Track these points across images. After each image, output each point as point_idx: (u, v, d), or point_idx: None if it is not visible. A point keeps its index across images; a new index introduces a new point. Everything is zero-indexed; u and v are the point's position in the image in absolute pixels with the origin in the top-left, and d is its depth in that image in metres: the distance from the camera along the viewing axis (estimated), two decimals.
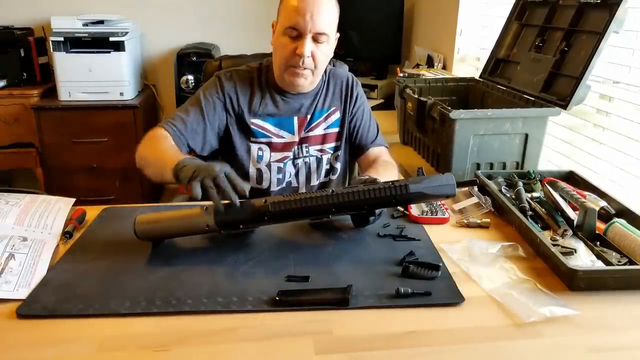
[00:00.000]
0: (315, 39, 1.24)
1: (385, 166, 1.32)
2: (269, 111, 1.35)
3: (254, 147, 1.35)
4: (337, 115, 1.41)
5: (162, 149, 1.18)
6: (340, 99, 1.42)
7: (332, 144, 1.42)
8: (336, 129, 1.41)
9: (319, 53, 1.25)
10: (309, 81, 1.30)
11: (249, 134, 1.35)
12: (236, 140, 1.34)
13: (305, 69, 1.26)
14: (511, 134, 1.42)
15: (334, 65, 1.69)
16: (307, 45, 1.22)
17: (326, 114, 1.40)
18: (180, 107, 1.34)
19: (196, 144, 1.31)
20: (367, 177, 1.06)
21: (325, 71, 1.41)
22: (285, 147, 1.37)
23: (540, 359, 0.74)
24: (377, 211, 1.06)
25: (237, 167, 1.32)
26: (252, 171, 1.37)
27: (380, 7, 2.97)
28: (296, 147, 1.38)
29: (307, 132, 1.38)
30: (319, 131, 1.39)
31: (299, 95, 1.36)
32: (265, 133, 1.35)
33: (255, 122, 1.34)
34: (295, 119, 1.36)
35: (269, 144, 1.35)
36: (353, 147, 1.45)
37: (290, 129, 1.36)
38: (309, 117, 1.37)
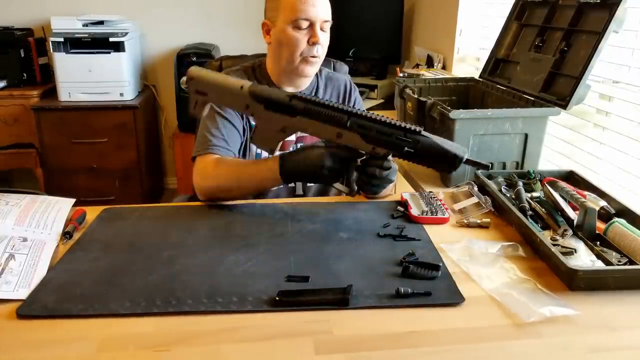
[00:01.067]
0: (322, 27, 1.28)
1: None
2: None
3: (253, 146, 1.36)
4: None
5: (237, 169, 1.19)
6: (337, 101, 1.42)
7: None
8: None
9: (325, 41, 1.30)
10: (315, 69, 1.33)
11: (249, 130, 1.35)
12: (234, 135, 1.34)
13: (316, 57, 1.29)
14: (511, 134, 1.42)
15: (334, 65, 1.70)
16: (319, 33, 1.26)
17: None
18: (204, 127, 1.30)
19: (237, 149, 1.32)
20: None
21: (321, 73, 1.43)
22: (283, 146, 1.37)
23: (540, 359, 0.74)
24: (387, 165, 1.02)
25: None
26: None
27: (380, 7, 2.97)
28: (292, 146, 1.39)
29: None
30: None
31: None
32: None
33: None
34: None
35: None
36: None
37: None
38: None
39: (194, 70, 1.11)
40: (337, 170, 1.06)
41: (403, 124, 0.98)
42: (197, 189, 1.21)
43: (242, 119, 1.34)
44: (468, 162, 0.99)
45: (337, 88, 1.44)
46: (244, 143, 1.35)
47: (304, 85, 1.39)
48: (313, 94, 1.41)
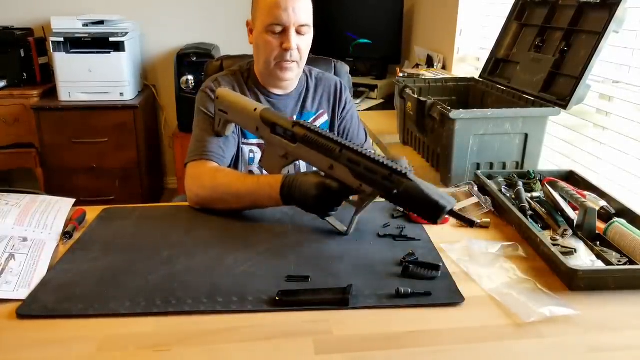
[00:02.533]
0: (298, 31, 1.25)
1: None
2: None
3: (246, 149, 1.35)
4: (325, 118, 1.42)
5: (237, 183, 1.14)
6: (328, 102, 1.43)
7: None
8: None
9: (303, 45, 1.27)
10: (295, 73, 1.32)
11: (240, 135, 1.34)
12: (229, 142, 1.31)
13: (292, 61, 1.27)
14: (511, 134, 1.42)
15: (334, 66, 1.70)
16: (292, 39, 1.24)
17: (314, 116, 1.41)
18: (196, 134, 1.27)
19: (230, 157, 1.30)
20: None
21: (311, 74, 1.43)
22: None
23: (540, 359, 0.74)
24: (365, 204, 1.01)
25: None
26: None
27: (380, 7, 2.97)
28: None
29: None
30: None
31: (283, 96, 1.37)
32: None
33: None
34: None
35: (260, 146, 1.35)
36: None
37: None
38: (295, 118, 1.38)
39: (220, 90, 1.22)
40: (326, 201, 1.04)
41: (391, 164, 0.94)
42: (191, 196, 1.18)
43: (236, 126, 1.32)
44: (452, 214, 0.92)
45: (328, 88, 1.43)
46: (236, 150, 1.34)
47: (290, 87, 1.37)
48: (302, 95, 1.40)
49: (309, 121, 1.38)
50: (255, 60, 1.34)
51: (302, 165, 1.39)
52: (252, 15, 1.30)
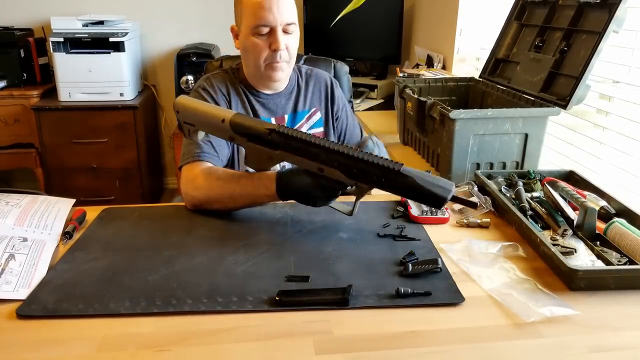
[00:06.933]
0: (285, 30, 1.25)
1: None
2: (247, 112, 1.35)
3: (241, 147, 1.35)
4: (318, 116, 1.42)
5: (231, 184, 1.12)
6: (320, 99, 1.43)
7: None
8: (320, 129, 1.42)
9: (291, 44, 1.27)
10: (285, 73, 1.31)
11: None
12: (222, 142, 1.29)
13: (282, 62, 1.27)
14: (511, 134, 1.42)
15: (334, 66, 1.70)
16: (280, 39, 1.23)
17: (308, 114, 1.41)
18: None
19: (225, 156, 1.30)
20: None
21: (301, 72, 1.43)
22: None
23: (540, 359, 0.74)
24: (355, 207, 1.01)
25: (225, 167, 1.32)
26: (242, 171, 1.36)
27: (380, 7, 2.97)
28: None
29: None
30: None
31: (273, 95, 1.36)
32: None
33: None
34: (272, 120, 1.36)
35: None
36: None
37: None
38: (286, 117, 1.38)
39: (180, 102, 1.12)
40: (325, 198, 1.03)
41: (382, 162, 0.93)
42: (186, 198, 1.17)
43: None
44: (455, 199, 0.93)
45: (319, 85, 1.43)
46: (231, 150, 1.33)
47: (280, 86, 1.36)
48: (294, 94, 1.40)
49: (304, 119, 1.39)
50: (245, 64, 1.34)
51: None
52: (236, 21, 1.30)
